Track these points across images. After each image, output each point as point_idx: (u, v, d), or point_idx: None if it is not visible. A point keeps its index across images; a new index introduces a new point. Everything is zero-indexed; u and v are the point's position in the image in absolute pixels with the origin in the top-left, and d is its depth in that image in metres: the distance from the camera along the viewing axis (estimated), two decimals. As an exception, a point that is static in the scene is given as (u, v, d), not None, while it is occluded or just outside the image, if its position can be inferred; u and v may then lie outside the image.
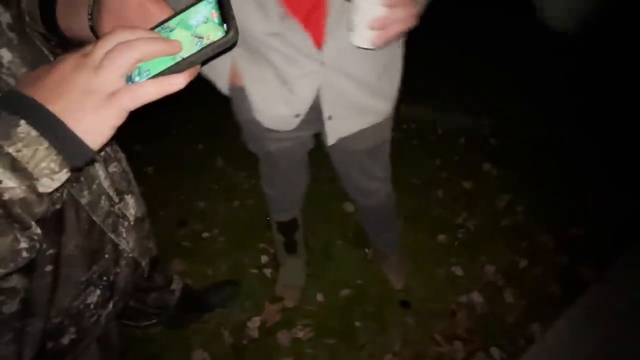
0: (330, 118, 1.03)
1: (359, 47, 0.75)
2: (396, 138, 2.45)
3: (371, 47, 0.74)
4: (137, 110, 0.43)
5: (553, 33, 2.89)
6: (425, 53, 3.16)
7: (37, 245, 0.47)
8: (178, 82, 0.43)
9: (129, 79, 0.43)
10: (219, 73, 1.07)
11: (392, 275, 1.80)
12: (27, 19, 0.59)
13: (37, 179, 0.40)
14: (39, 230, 0.48)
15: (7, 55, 0.53)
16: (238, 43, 0.96)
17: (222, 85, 1.11)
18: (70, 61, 0.41)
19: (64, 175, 0.42)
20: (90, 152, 0.42)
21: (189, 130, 2.71)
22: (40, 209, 0.43)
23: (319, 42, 0.88)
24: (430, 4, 0.87)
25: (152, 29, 0.46)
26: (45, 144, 0.39)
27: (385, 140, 1.26)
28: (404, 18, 0.70)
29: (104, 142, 0.43)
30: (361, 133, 1.11)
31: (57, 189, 0.56)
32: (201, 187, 2.30)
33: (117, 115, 0.42)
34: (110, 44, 0.41)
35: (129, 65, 0.41)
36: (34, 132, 0.39)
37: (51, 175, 0.41)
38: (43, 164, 0.40)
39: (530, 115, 2.58)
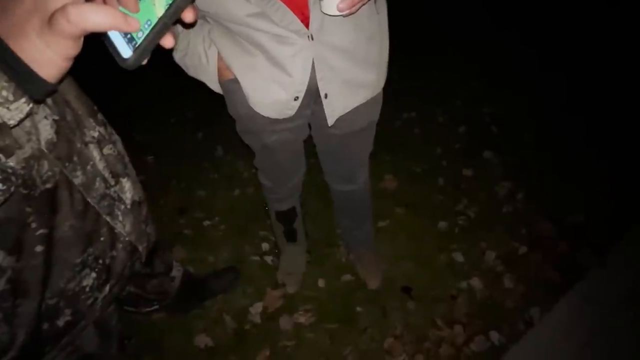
0: (326, 96, 1.02)
1: (328, 15, 0.76)
2: (397, 126, 2.48)
3: (338, 14, 0.74)
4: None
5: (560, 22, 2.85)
6: (427, 41, 3.14)
7: (13, 179, 0.45)
8: (133, 25, 0.39)
9: (132, 41, 0.40)
10: (207, 71, 1.06)
11: (367, 275, 1.75)
12: None
13: None
14: (11, 164, 0.45)
15: None
16: (221, 35, 0.95)
17: (213, 83, 1.09)
18: None
19: (23, 105, 0.39)
20: (45, 82, 0.38)
21: (188, 118, 2.70)
22: (4, 142, 0.41)
23: (305, 17, 0.87)
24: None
25: None
26: None
27: (374, 121, 1.25)
28: None
29: (60, 74, 0.39)
30: (356, 111, 1.10)
31: (49, 168, 0.55)
32: (201, 175, 2.30)
33: (63, 43, 0.37)
34: None
35: None
36: None
37: (6, 105, 0.38)
38: None
39: (531, 103, 2.55)
